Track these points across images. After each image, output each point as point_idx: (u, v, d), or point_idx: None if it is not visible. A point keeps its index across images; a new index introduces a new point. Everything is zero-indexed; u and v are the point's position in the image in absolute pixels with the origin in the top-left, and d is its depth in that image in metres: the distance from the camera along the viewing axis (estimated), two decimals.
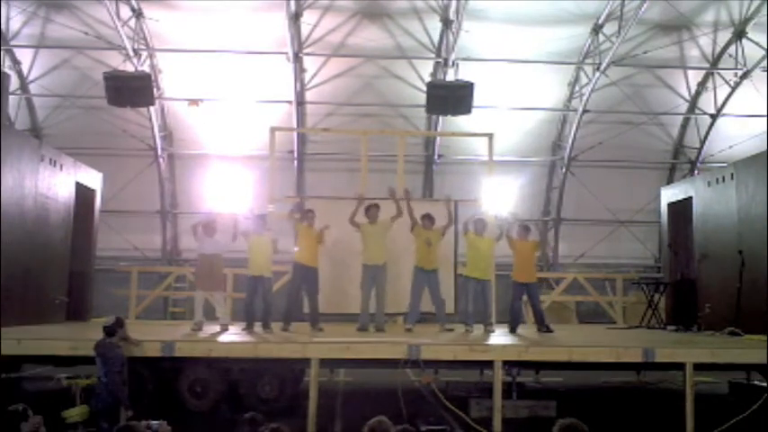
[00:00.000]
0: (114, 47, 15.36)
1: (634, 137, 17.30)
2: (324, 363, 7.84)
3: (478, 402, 8.10)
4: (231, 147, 16.70)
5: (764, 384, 9.17)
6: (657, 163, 18.09)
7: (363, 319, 9.85)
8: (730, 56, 16.20)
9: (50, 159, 10.75)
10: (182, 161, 17.45)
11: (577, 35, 15.86)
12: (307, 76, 16.43)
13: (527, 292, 10.28)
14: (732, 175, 10.84)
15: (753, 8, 15.39)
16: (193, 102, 15.99)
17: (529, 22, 15.25)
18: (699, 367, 7.71)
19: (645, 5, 14.10)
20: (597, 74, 15.80)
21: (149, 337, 7.84)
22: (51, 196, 10.76)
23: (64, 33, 15.52)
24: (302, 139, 17.15)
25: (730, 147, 16.76)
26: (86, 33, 15.32)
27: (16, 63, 16.20)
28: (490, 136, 12.82)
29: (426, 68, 16.34)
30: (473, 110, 14.45)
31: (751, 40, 15.72)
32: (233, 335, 8.93)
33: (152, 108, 16.04)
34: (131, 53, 15.16)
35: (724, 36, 16.10)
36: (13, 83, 15.16)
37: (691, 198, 12.15)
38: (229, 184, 16.24)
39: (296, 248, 9.90)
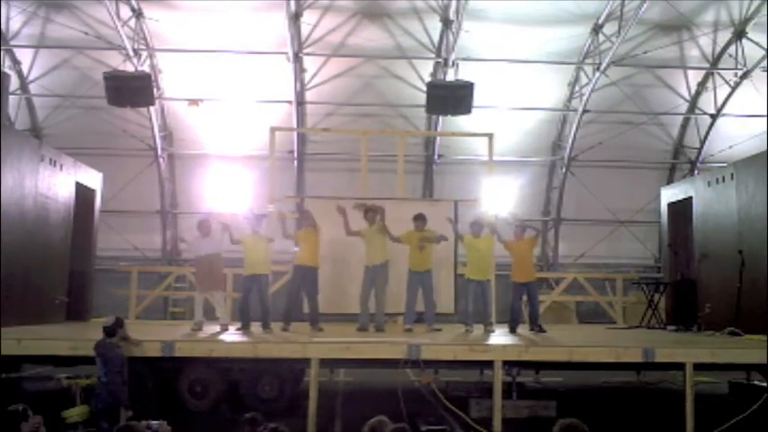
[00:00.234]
0: (114, 47, 15.36)
1: (634, 137, 17.30)
2: (324, 363, 7.84)
3: (478, 402, 8.10)
4: (231, 147, 16.70)
5: (764, 384, 9.16)
6: (657, 163, 18.09)
7: (363, 319, 9.88)
8: (730, 56, 16.20)
9: (50, 159, 10.75)
10: (182, 161, 17.44)
11: (577, 35, 15.86)
12: (307, 76, 16.43)
13: (527, 291, 10.28)
14: (732, 175, 10.83)
15: (753, 8, 15.38)
16: (193, 102, 15.98)
17: (529, 22, 15.25)
18: (699, 367, 7.71)
19: (645, 5, 14.10)
20: (597, 74, 15.80)
21: (149, 337, 7.85)
22: (51, 196, 10.75)
23: (64, 33, 15.52)
24: (302, 139, 17.15)
25: (730, 147, 16.76)
26: (86, 33, 15.32)
27: (16, 63, 16.20)
28: (490, 136, 12.82)
29: (426, 68, 16.34)
30: (473, 110, 14.45)
31: (751, 40, 15.72)
32: (233, 335, 8.93)
33: (152, 108, 16.03)
34: (131, 53, 15.16)
35: (724, 36, 16.10)
36: (13, 83, 15.16)
37: (691, 198, 12.15)
38: (229, 184, 16.28)
39: (296, 249, 9.92)
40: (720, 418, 7.40)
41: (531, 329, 10.02)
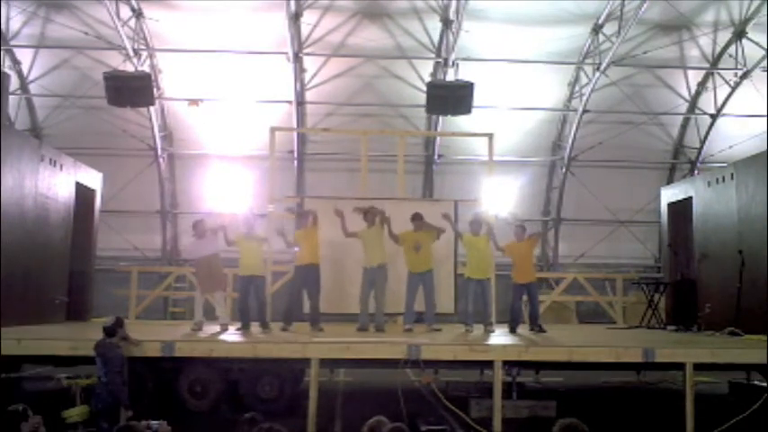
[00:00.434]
0: (114, 47, 15.36)
1: (634, 137, 17.30)
2: (324, 363, 7.83)
3: (478, 402, 8.10)
4: (231, 147, 16.70)
5: (764, 384, 9.16)
6: (657, 163, 18.09)
7: (363, 319, 9.88)
8: (730, 56, 16.20)
9: (50, 159, 10.75)
10: (182, 161, 17.45)
11: (577, 35, 15.87)
12: (307, 76, 16.43)
13: (527, 292, 10.28)
14: (732, 175, 10.83)
15: (753, 8, 15.39)
16: (193, 102, 15.99)
17: (529, 22, 15.25)
18: (699, 367, 7.70)
19: (645, 5, 14.10)
20: (597, 74, 15.80)
21: (149, 337, 7.84)
22: (51, 196, 10.75)
23: (64, 33, 15.52)
24: (302, 139, 17.15)
25: (730, 147, 16.76)
26: (86, 33, 15.32)
27: (16, 63, 16.20)
28: (490, 136, 12.82)
29: (426, 68, 16.34)
30: (473, 110, 14.45)
31: (751, 40, 15.72)
32: (233, 335, 8.93)
33: (152, 108, 16.03)
34: (131, 53, 15.16)
35: (724, 36, 16.10)
36: (13, 83, 15.16)
37: (691, 198, 12.15)
38: (229, 184, 16.28)
39: (296, 249, 9.92)
40: (720, 418, 7.40)
41: (531, 329, 10.02)
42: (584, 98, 16.45)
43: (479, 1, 14.73)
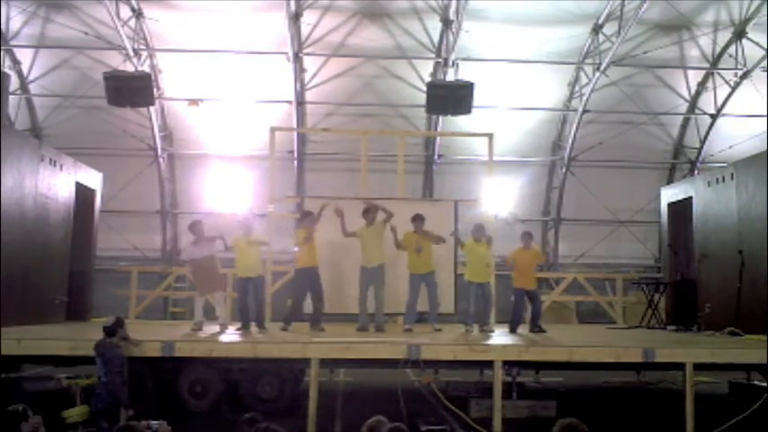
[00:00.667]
0: (114, 47, 15.36)
1: (634, 137, 17.29)
2: (324, 363, 7.84)
3: (478, 402, 8.10)
4: (231, 147, 16.70)
5: (764, 384, 9.16)
6: (657, 163, 18.09)
7: (363, 319, 9.88)
8: (730, 56, 16.20)
9: (50, 159, 10.75)
10: (182, 161, 17.44)
11: (577, 35, 15.86)
12: (307, 76, 16.42)
13: (528, 296, 10.28)
14: (732, 175, 10.83)
15: (753, 8, 15.38)
16: (193, 102, 15.98)
17: (529, 22, 15.25)
18: (699, 367, 7.71)
19: (645, 5, 14.10)
20: (597, 74, 15.80)
21: (149, 337, 7.85)
22: (51, 196, 10.75)
23: (64, 33, 15.52)
24: (302, 139, 17.14)
25: (730, 147, 16.75)
26: (86, 33, 15.32)
27: (16, 63, 16.20)
28: (490, 136, 12.82)
29: (426, 68, 16.33)
30: (473, 110, 14.44)
31: (751, 40, 15.71)
32: (233, 335, 8.93)
33: (152, 108, 16.03)
34: (131, 53, 15.16)
35: (724, 36, 16.10)
36: (13, 83, 15.15)
37: (691, 198, 12.15)
38: (229, 184, 16.28)
39: (296, 249, 9.92)
40: (720, 418, 7.40)
41: (532, 330, 10.03)
42: (584, 98, 16.45)
43: (479, 1, 14.73)
